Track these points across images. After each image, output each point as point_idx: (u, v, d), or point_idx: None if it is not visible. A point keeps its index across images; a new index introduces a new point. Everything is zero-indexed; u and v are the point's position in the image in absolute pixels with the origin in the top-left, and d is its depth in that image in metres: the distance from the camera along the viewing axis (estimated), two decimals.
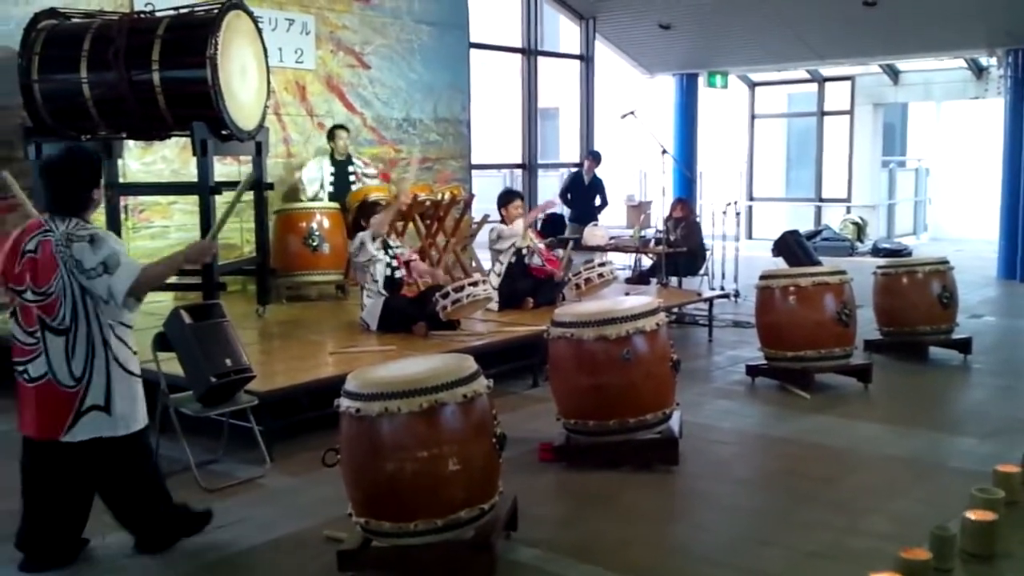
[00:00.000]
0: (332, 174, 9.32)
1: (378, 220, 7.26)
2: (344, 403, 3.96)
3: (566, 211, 12.08)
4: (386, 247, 7.27)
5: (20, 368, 4.07)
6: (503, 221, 8.13)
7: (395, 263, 7.25)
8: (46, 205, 4.18)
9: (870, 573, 2.11)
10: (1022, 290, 12.03)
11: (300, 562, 4.24)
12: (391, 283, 7.17)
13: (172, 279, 8.29)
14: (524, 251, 8.02)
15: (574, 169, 13.23)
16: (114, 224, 8.03)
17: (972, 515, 2.36)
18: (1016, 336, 9.37)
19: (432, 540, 3.89)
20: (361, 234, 7.22)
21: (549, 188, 15.49)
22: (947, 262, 7.96)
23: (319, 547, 4.27)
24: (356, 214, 8.72)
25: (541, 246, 8.22)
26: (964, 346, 7.83)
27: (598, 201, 12.01)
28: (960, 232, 18.02)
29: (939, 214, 19.42)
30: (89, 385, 4.02)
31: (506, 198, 8.27)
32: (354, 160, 9.51)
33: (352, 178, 9.38)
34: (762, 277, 7.22)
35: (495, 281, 7.83)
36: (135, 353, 4.21)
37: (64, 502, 4.14)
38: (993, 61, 14.05)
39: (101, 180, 4.20)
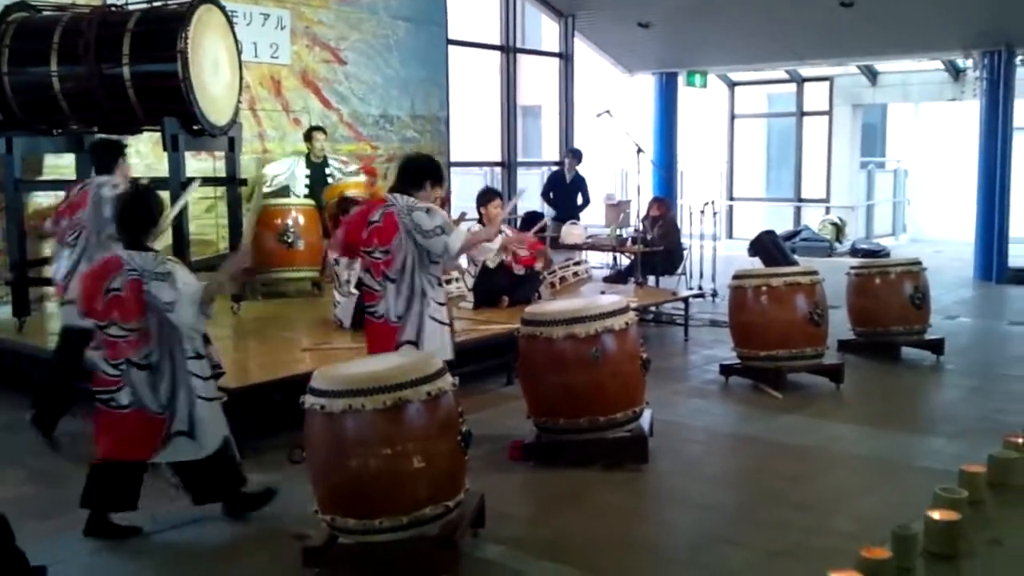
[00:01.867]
0: (308, 176, 9.28)
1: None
2: (309, 400, 3.93)
3: (548, 211, 12.04)
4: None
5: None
6: (481, 220, 8.09)
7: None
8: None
9: (830, 572, 2.11)
10: (997, 291, 12.10)
11: (267, 560, 4.22)
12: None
13: None
14: (503, 252, 7.98)
15: (555, 168, 13.22)
16: None
17: (935, 514, 2.35)
18: (989, 337, 9.43)
19: (397, 537, 3.87)
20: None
21: (529, 186, 15.46)
22: (919, 263, 8.00)
23: (285, 544, 4.24)
24: (335, 210, 8.68)
25: (525, 236, 8.18)
26: (936, 347, 7.87)
27: (580, 199, 11.99)
28: (939, 233, 18.12)
29: (918, 215, 19.53)
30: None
31: (485, 197, 8.22)
32: (330, 161, 9.46)
33: (330, 180, 9.34)
34: (735, 277, 7.24)
35: (470, 282, 7.80)
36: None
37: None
38: (969, 63, 14.13)
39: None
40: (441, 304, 4.91)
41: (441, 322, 4.89)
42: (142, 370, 4.29)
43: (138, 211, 4.49)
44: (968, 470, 2.68)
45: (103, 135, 7.15)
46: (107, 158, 6.03)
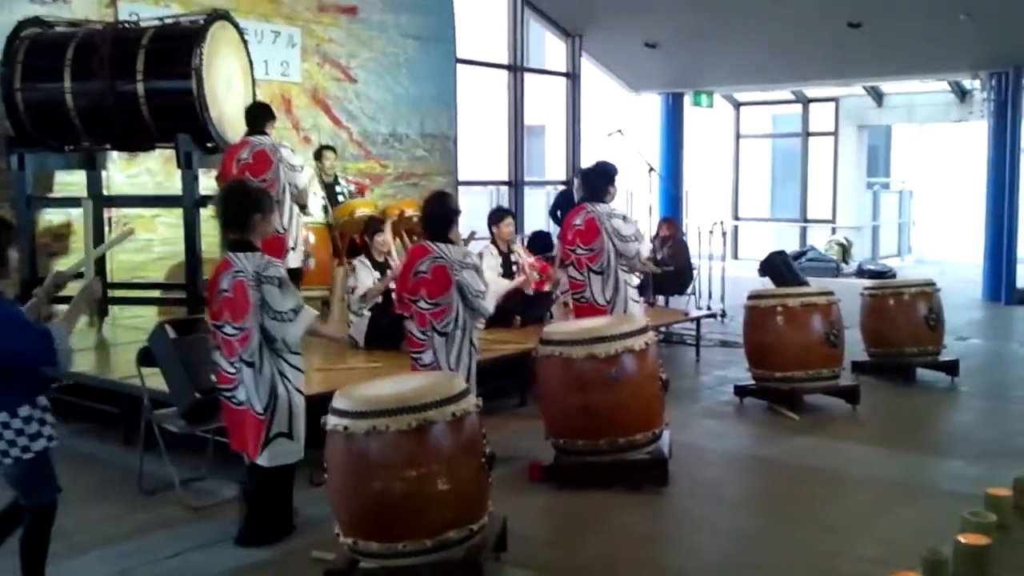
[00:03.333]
0: (323, 196, 9.24)
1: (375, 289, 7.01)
2: (332, 421, 3.89)
3: (555, 229, 12.00)
4: (385, 268, 7.18)
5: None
6: (494, 240, 8.06)
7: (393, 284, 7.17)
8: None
9: None
10: (1007, 312, 12.06)
11: None
12: (382, 300, 7.09)
13: (155, 293, 8.29)
14: (514, 267, 7.95)
15: (563, 187, 13.19)
16: (98, 237, 7.93)
17: (964, 539, 2.31)
18: (1002, 359, 9.38)
19: (420, 561, 3.82)
20: (359, 268, 7.12)
21: (536, 206, 15.46)
22: (934, 284, 7.96)
23: (306, 568, 4.19)
24: (346, 228, 8.65)
25: (531, 260, 8.15)
26: (951, 368, 7.81)
27: None
28: (944, 254, 18.10)
29: (923, 236, 19.51)
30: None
31: (497, 216, 8.20)
32: (340, 181, 9.42)
33: (340, 198, 9.29)
34: (750, 297, 7.20)
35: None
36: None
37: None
38: (976, 84, 14.14)
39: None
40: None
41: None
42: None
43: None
44: (994, 493, 2.63)
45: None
46: None
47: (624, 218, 6.16)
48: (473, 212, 12.31)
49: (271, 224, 4.74)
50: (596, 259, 6.05)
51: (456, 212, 5.24)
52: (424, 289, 4.93)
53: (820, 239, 17.29)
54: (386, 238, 7.36)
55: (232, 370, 4.42)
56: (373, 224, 7.51)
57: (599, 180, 6.34)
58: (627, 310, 6.04)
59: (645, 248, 6.13)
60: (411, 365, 5.14)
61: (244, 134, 6.99)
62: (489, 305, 5.08)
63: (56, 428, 3.73)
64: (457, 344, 4.98)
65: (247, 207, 4.48)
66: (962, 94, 15.78)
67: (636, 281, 6.31)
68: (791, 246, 16.44)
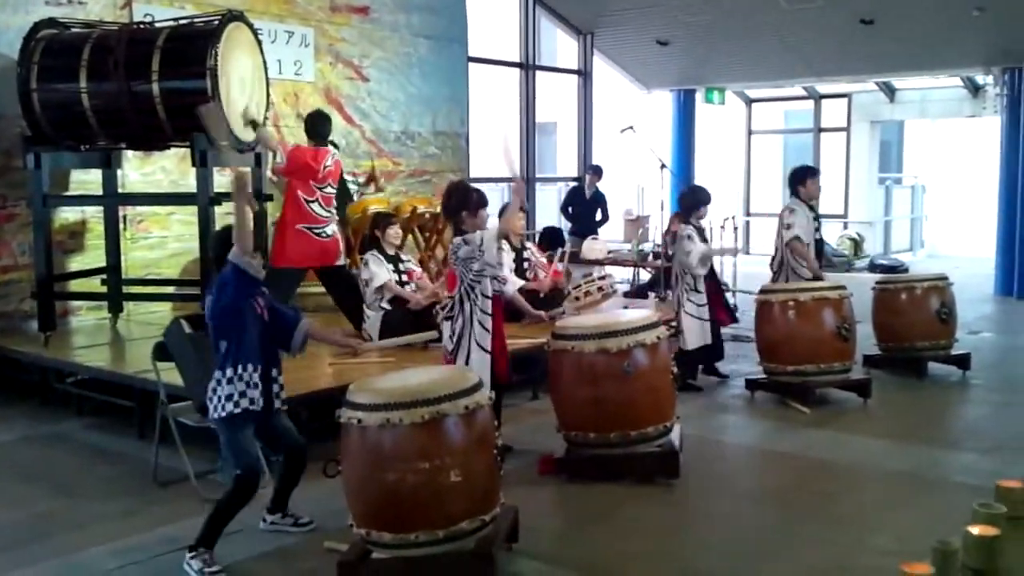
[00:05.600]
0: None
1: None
2: (346, 414, 3.94)
3: (566, 224, 12.05)
4: (397, 261, 7.24)
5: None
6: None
7: (404, 278, 7.22)
8: None
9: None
10: (1019, 307, 12.03)
11: (300, 573, 4.21)
12: (394, 296, 7.14)
13: (170, 289, 8.37)
14: (525, 264, 7.98)
15: (575, 183, 13.22)
16: (113, 234, 8.02)
17: (975, 530, 2.34)
18: (1014, 353, 9.36)
19: (433, 551, 3.87)
20: (371, 262, 7.18)
21: (547, 202, 15.49)
22: (946, 278, 7.96)
23: (319, 558, 4.24)
24: (370, 225, 8.70)
25: (543, 260, 8.18)
26: (963, 362, 7.82)
27: (599, 215, 11.98)
28: (956, 249, 18.05)
29: (935, 231, 19.45)
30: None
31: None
32: (347, 177, 9.45)
33: (355, 197, 9.35)
34: (762, 291, 7.22)
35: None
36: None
37: None
38: (989, 79, 14.09)
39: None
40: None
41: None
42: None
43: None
44: (1004, 485, 2.65)
45: None
46: None
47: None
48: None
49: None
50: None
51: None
52: None
53: (832, 234, 17.25)
54: (397, 230, 7.43)
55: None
56: (384, 217, 7.57)
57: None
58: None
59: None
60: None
61: (317, 142, 7.41)
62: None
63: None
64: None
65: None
66: (975, 90, 15.72)
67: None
68: None
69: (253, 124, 7.14)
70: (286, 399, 4.59)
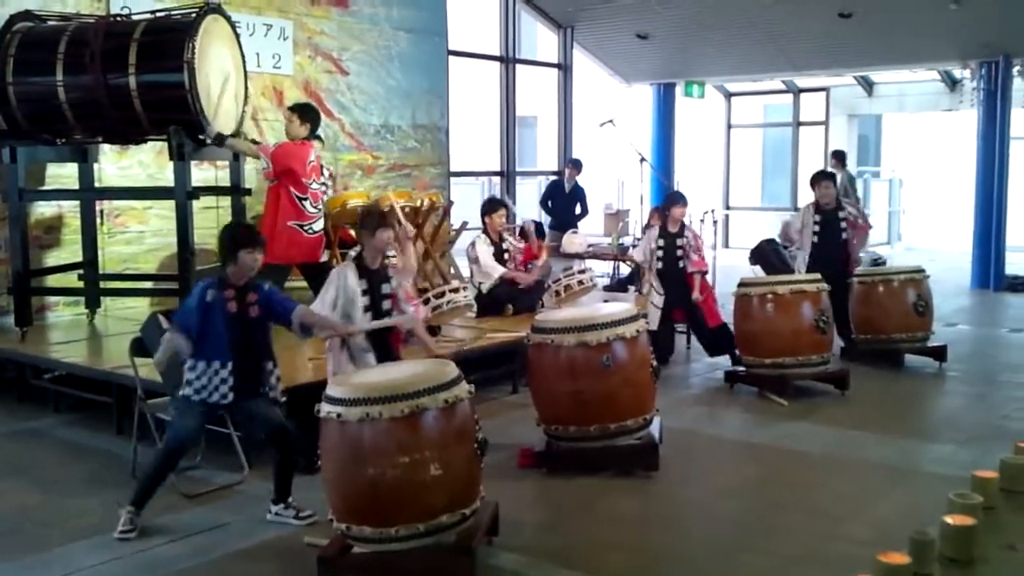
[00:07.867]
0: None
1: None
2: (325, 408, 3.93)
3: (546, 219, 12.07)
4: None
5: None
6: (486, 230, 8.10)
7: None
8: None
9: None
10: (995, 299, 12.15)
11: (280, 568, 4.21)
12: None
13: (147, 284, 8.32)
14: (505, 256, 8.00)
15: (554, 177, 13.24)
16: (90, 229, 7.96)
17: (951, 520, 2.36)
18: (990, 344, 9.46)
19: (414, 545, 3.87)
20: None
21: (527, 196, 15.49)
22: (923, 271, 8.02)
23: (299, 553, 4.24)
24: (338, 220, 8.67)
25: (521, 245, 8.21)
26: (939, 354, 7.89)
27: (578, 209, 12.01)
28: (933, 242, 18.18)
29: (913, 224, 19.59)
30: None
31: (490, 207, 8.24)
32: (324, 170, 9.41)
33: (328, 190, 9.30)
34: (740, 285, 7.26)
35: (472, 292, 7.83)
36: None
37: None
38: (966, 73, 14.19)
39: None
40: None
41: None
42: None
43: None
44: (980, 475, 2.68)
45: None
46: None
47: None
48: (465, 203, 12.39)
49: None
50: None
51: None
52: None
53: None
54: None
55: None
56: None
57: None
58: None
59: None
60: None
61: (304, 136, 7.33)
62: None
63: None
64: None
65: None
66: (952, 83, 15.84)
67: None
68: None
69: (219, 139, 7.02)
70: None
